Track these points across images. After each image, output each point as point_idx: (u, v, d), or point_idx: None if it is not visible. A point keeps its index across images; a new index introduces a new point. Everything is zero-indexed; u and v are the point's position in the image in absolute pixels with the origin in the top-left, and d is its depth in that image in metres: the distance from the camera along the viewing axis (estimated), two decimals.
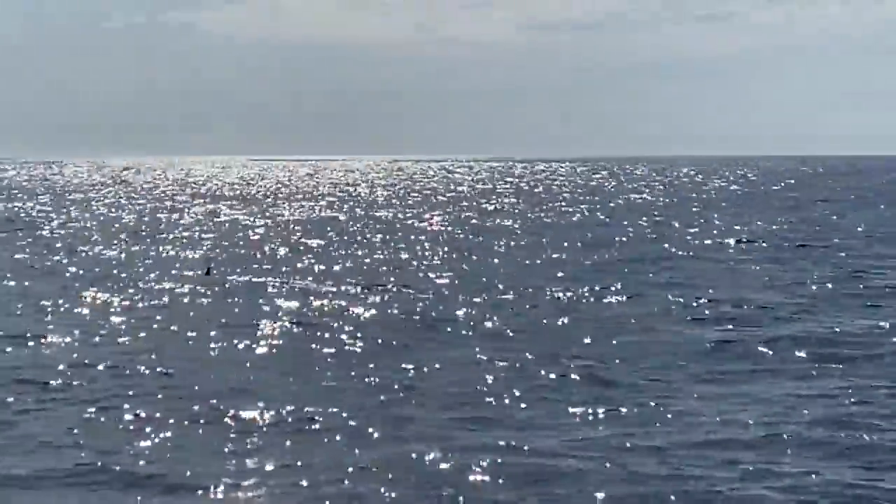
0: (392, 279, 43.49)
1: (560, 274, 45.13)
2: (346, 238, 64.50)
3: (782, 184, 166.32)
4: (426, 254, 54.23)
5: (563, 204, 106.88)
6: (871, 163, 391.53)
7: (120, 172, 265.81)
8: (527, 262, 50.66)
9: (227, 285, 41.51)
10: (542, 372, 25.95)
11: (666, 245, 58.62)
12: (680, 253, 54.38)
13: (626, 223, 77.39)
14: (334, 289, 40.51)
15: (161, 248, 57.45)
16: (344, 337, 30.67)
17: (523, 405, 23.00)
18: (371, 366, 26.69)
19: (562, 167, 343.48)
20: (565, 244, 59.46)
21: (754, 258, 52.09)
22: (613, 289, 40.20)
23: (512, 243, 60.22)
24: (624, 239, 63.38)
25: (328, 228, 73.16)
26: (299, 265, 49.23)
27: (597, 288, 40.21)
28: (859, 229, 69.32)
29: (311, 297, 38.13)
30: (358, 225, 76.34)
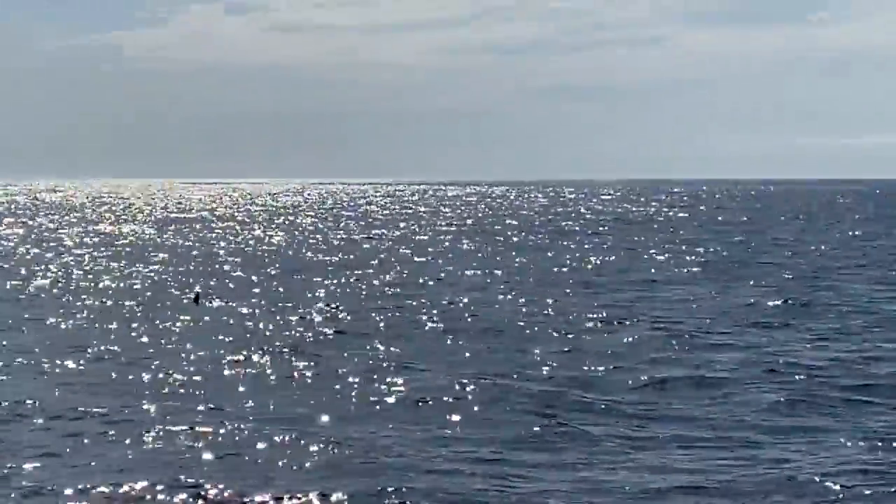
0: (381, 302, 43.12)
1: (548, 300, 44.78)
2: (317, 261, 64.01)
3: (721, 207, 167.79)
4: (403, 277, 53.81)
5: (502, 227, 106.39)
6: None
7: (42, 193, 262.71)
8: (507, 285, 50.43)
9: (220, 313, 40.75)
10: (559, 403, 25.17)
11: (639, 271, 58.60)
12: (657, 279, 54.26)
13: (587, 246, 77.55)
14: (326, 312, 40.11)
15: (132, 272, 56.50)
16: (346, 358, 30.46)
17: (557, 440, 22.11)
18: (377, 387, 26.60)
19: (496, 190, 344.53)
20: (531, 267, 59.57)
21: (719, 280, 52.53)
22: (606, 314, 39.93)
23: (477, 267, 59.94)
24: (599, 262, 63.43)
25: (304, 250, 72.89)
26: (281, 289, 48.68)
27: (599, 315, 39.79)
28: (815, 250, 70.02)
29: (308, 321, 37.75)
30: (322, 247, 75.87)
